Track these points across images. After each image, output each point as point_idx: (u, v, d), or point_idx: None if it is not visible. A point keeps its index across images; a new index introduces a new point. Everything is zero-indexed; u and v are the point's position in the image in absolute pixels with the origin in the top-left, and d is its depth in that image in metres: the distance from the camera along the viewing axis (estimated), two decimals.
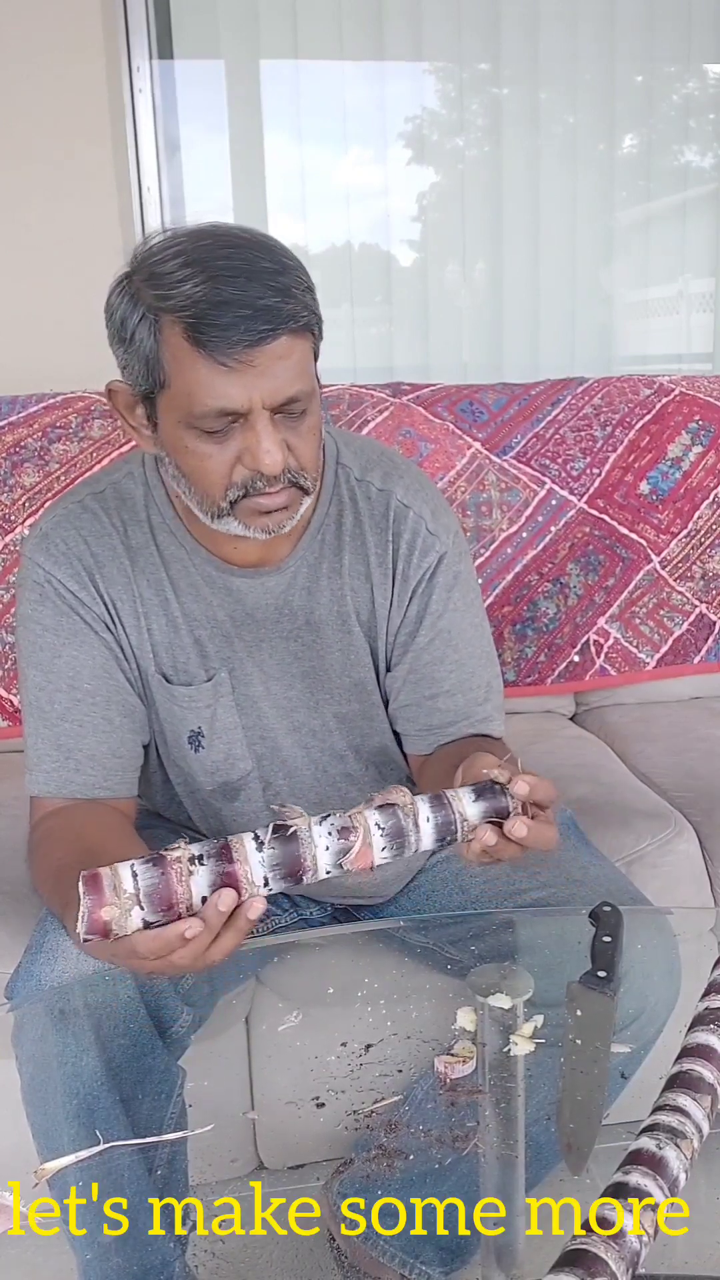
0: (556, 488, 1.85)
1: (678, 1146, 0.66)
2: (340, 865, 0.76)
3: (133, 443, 1.71)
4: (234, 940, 0.76)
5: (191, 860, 0.73)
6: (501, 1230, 0.94)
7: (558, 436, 1.87)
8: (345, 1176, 1.03)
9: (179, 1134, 0.97)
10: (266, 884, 0.74)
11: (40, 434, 1.72)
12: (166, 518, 1.06)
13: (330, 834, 0.75)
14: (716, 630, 1.90)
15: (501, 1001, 0.97)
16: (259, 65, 2.23)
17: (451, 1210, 0.98)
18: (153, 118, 2.16)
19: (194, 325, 0.86)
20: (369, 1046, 1.02)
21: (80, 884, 0.72)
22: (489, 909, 1.15)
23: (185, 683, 1.07)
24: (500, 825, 0.79)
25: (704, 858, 1.42)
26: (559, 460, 1.86)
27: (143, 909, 0.71)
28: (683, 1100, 0.70)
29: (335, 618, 1.09)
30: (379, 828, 0.77)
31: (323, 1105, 0.98)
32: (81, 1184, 0.91)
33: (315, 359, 0.95)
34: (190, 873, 0.72)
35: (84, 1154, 0.90)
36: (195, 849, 0.74)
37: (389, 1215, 0.99)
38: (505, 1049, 0.97)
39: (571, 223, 2.40)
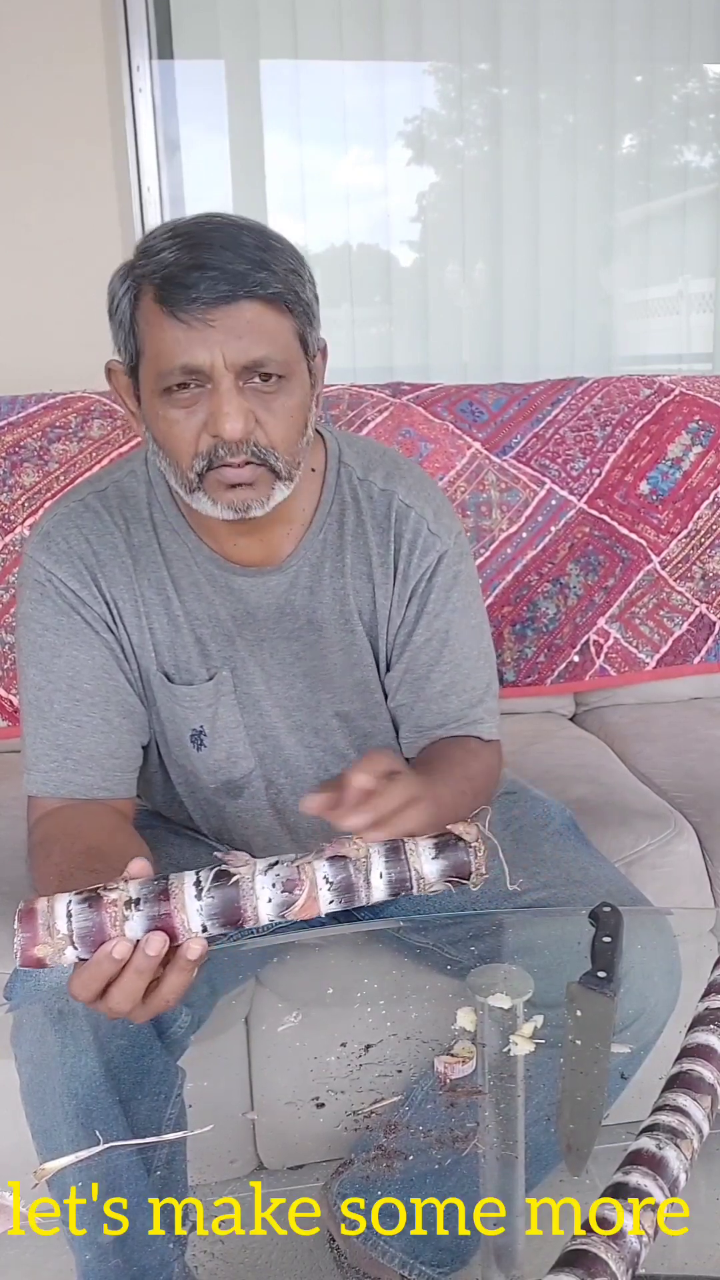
0: (556, 488, 1.85)
1: (678, 1147, 0.66)
2: (283, 916, 0.72)
3: (133, 442, 1.72)
4: (180, 980, 0.73)
5: (128, 904, 0.70)
6: (501, 1230, 0.94)
7: (558, 436, 1.87)
8: (345, 1177, 1.03)
9: (179, 1134, 0.97)
10: (205, 930, 0.71)
11: (40, 434, 1.72)
12: (169, 515, 1.06)
13: (274, 885, 0.72)
14: (716, 630, 1.90)
15: (501, 1001, 0.97)
16: (259, 65, 2.23)
17: (451, 1211, 0.98)
18: (153, 118, 2.16)
19: (162, 285, 0.88)
20: (369, 1047, 1.01)
21: (16, 918, 0.70)
22: (489, 909, 1.15)
23: (187, 682, 1.07)
24: (463, 881, 0.74)
25: (704, 858, 1.42)
26: (559, 460, 1.86)
27: (76, 949, 0.69)
28: (683, 1100, 0.70)
29: (338, 617, 1.09)
30: (327, 881, 0.72)
31: (322, 1106, 0.98)
32: (81, 1184, 0.91)
33: (307, 349, 0.95)
34: (125, 917, 0.70)
35: (84, 1154, 0.90)
36: (134, 890, 0.71)
37: (389, 1216, 0.99)
38: (505, 1049, 0.97)
39: (571, 223, 2.40)
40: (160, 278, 0.88)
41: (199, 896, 0.71)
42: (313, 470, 1.07)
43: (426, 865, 0.74)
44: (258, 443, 0.92)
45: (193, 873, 0.72)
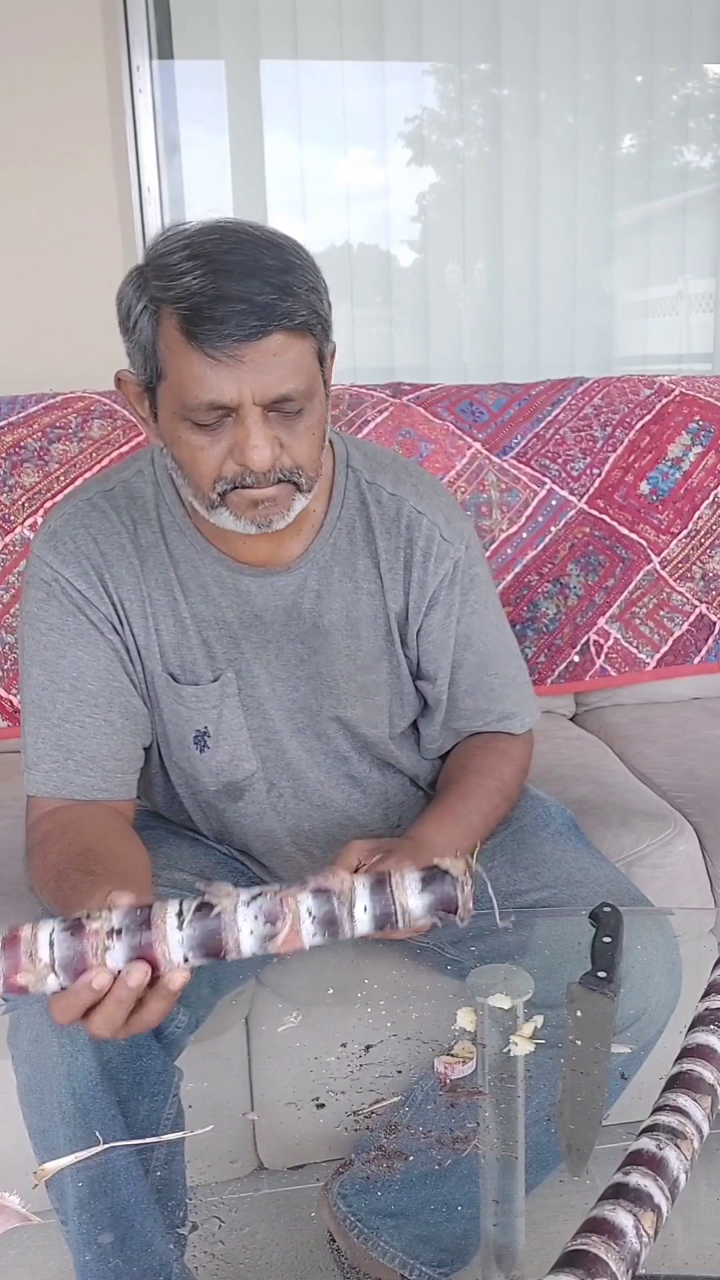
0: (556, 488, 1.85)
1: (678, 1147, 0.66)
2: (265, 949, 0.71)
3: (134, 442, 1.71)
4: (161, 1006, 0.73)
5: (110, 933, 0.70)
6: (501, 1230, 0.94)
7: (558, 437, 1.87)
8: (345, 1177, 1.03)
9: (179, 1135, 0.97)
10: (186, 960, 0.71)
11: (40, 434, 1.72)
12: (176, 516, 1.06)
13: (256, 917, 0.71)
14: (716, 630, 1.90)
15: (501, 1002, 0.97)
16: (259, 65, 2.23)
17: (451, 1211, 0.98)
18: (153, 118, 2.16)
19: (189, 318, 0.87)
20: (369, 1047, 1.01)
21: (0, 941, 0.70)
22: (489, 909, 1.15)
23: (192, 682, 1.07)
24: (450, 915, 0.73)
25: (704, 858, 1.42)
26: (559, 460, 1.86)
27: (58, 977, 0.70)
28: (683, 1100, 0.70)
29: (345, 622, 1.10)
30: (310, 914, 0.71)
31: (323, 1106, 0.98)
32: (80, 1184, 0.91)
33: (323, 361, 0.95)
34: (107, 947, 0.70)
35: (84, 1154, 0.90)
36: (116, 919, 0.70)
37: (389, 1216, 0.99)
38: (505, 1049, 0.97)
39: (571, 223, 2.40)
40: (186, 308, 0.87)
41: (180, 927, 0.70)
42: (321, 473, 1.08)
43: (412, 899, 0.73)
44: (283, 466, 0.93)
45: (175, 902, 0.71)
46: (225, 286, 0.86)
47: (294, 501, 0.97)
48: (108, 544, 1.04)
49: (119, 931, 0.70)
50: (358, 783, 1.17)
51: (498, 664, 1.16)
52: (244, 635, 1.08)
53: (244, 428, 0.90)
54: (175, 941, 0.70)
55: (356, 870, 0.90)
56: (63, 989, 0.70)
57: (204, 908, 0.71)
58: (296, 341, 0.89)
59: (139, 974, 0.69)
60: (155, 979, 0.70)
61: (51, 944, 0.69)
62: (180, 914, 0.71)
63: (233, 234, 0.89)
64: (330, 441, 1.10)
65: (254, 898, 0.72)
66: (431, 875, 0.73)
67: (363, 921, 0.72)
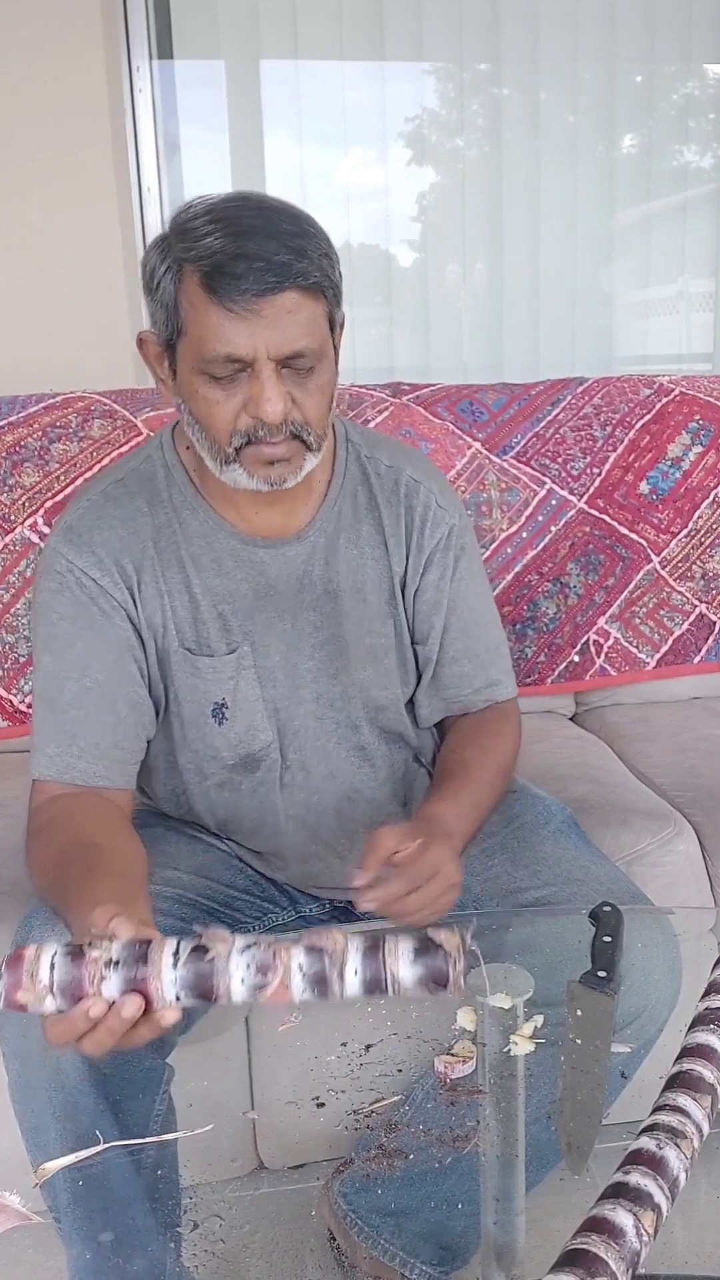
0: (556, 488, 1.85)
1: (678, 1146, 0.66)
2: (254, 998, 0.72)
3: (133, 442, 1.72)
4: (150, 1034, 0.74)
5: (108, 964, 0.72)
6: (502, 1229, 0.94)
7: (558, 436, 1.87)
8: (346, 1176, 1.03)
9: (180, 1134, 0.97)
10: (178, 999, 0.72)
11: (40, 434, 1.72)
12: (188, 496, 1.10)
13: (249, 966, 0.72)
14: (716, 630, 1.90)
15: (501, 1001, 0.97)
16: (259, 65, 2.23)
17: (452, 1209, 0.98)
18: (153, 118, 2.16)
19: (209, 274, 0.92)
20: (369, 1046, 1.02)
21: (3, 962, 0.73)
22: (489, 908, 1.15)
23: (208, 654, 1.10)
24: (441, 988, 0.73)
25: (704, 858, 1.42)
26: (559, 460, 1.86)
27: (56, 999, 0.72)
28: (683, 1100, 0.70)
29: (352, 587, 1.14)
30: (300, 970, 0.72)
31: (323, 1105, 0.98)
32: (71, 1182, 0.91)
33: (333, 327, 1.01)
34: (104, 976, 0.72)
35: (85, 1153, 0.90)
36: (115, 951, 0.73)
37: (389, 1215, 0.99)
38: (505, 1049, 0.97)
39: (571, 223, 2.40)
40: (208, 265, 0.92)
41: (175, 967, 0.72)
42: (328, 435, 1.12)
43: (404, 969, 0.72)
44: (294, 421, 0.98)
45: (174, 941, 0.73)
46: (245, 245, 0.92)
47: (304, 461, 1.01)
48: (123, 529, 1.07)
49: (117, 963, 0.72)
50: (367, 756, 1.18)
51: (482, 630, 1.20)
52: (258, 606, 1.11)
53: (258, 381, 0.95)
54: (169, 980, 0.72)
55: (394, 855, 0.93)
56: (59, 1011, 0.72)
57: (199, 950, 0.72)
58: (309, 301, 0.95)
59: (133, 1007, 0.71)
60: (147, 1010, 0.72)
61: (53, 967, 0.71)
62: (176, 954, 0.72)
63: (253, 202, 0.97)
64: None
65: (248, 946, 0.73)
66: (425, 947, 0.73)
67: (352, 984, 0.72)
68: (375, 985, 0.72)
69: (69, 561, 1.05)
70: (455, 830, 1.02)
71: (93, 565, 1.05)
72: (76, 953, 0.72)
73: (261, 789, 1.16)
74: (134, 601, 1.07)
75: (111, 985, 0.71)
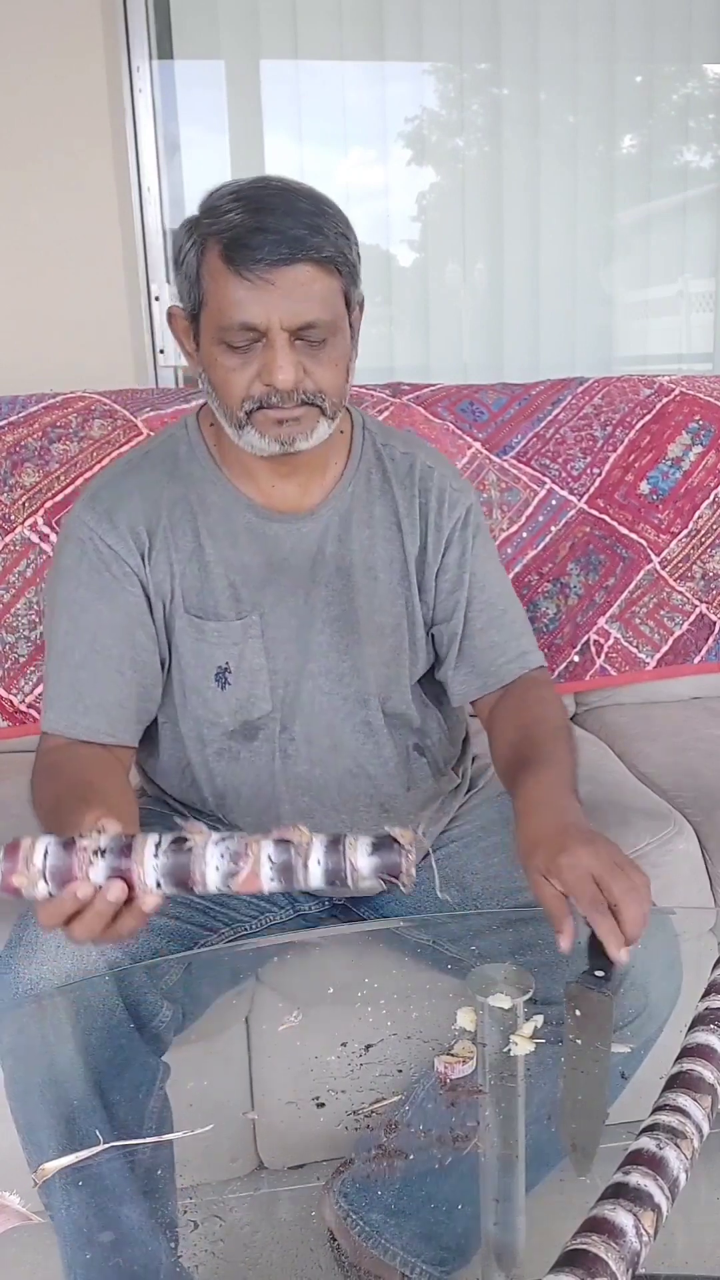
0: (556, 488, 1.85)
1: (678, 1146, 0.66)
2: (228, 885, 0.78)
3: (133, 442, 1.71)
4: (133, 921, 0.79)
5: (96, 852, 0.78)
6: (502, 1229, 0.94)
7: (558, 436, 1.87)
8: (345, 1176, 1.03)
9: (180, 1134, 0.97)
10: (159, 886, 0.78)
11: (40, 434, 1.72)
12: (208, 470, 1.14)
13: (222, 855, 0.78)
14: (716, 630, 1.90)
15: (501, 1001, 0.97)
16: (259, 65, 2.23)
17: (452, 1209, 0.98)
18: (153, 118, 2.16)
19: (229, 245, 0.98)
20: (369, 1046, 1.02)
21: (2, 849, 0.79)
22: (489, 908, 1.15)
23: (215, 619, 1.13)
24: (394, 880, 0.78)
25: (704, 857, 1.42)
26: (559, 460, 1.86)
27: (47, 883, 0.78)
28: (683, 1100, 0.70)
29: (363, 563, 1.16)
30: (270, 860, 0.78)
31: (323, 1105, 0.98)
32: (76, 1184, 0.92)
33: (350, 306, 1.05)
34: (91, 863, 0.78)
35: (85, 1153, 0.90)
36: (104, 841, 0.79)
37: (389, 1215, 0.99)
38: (505, 1049, 0.97)
39: (571, 223, 2.40)
40: (227, 237, 0.98)
41: (156, 855, 0.78)
42: (341, 433, 1.17)
43: (361, 860, 0.78)
44: (306, 390, 1.02)
45: (156, 835, 0.79)
46: (263, 220, 0.97)
47: (317, 424, 1.05)
48: (140, 497, 1.12)
49: (104, 852, 0.78)
50: (371, 732, 1.18)
51: (505, 603, 1.23)
52: (270, 579, 1.13)
53: (271, 350, 0.99)
54: (150, 868, 0.78)
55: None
56: (50, 896, 0.78)
57: (179, 841, 0.79)
58: (323, 275, 0.99)
59: (116, 890, 0.77)
60: (131, 899, 0.78)
61: (45, 854, 0.78)
62: (158, 845, 0.78)
63: (276, 183, 1.02)
64: (349, 410, 1.20)
65: (223, 839, 0.79)
66: (382, 842, 0.79)
67: (315, 874, 0.78)
68: (335, 875, 0.78)
69: (90, 529, 1.11)
70: (576, 820, 1.00)
71: (109, 532, 1.10)
72: (69, 843, 0.78)
73: (259, 759, 1.17)
74: (144, 564, 1.11)
75: (98, 871, 0.77)
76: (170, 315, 1.09)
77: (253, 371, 1.01)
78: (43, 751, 1.10)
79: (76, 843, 0.78)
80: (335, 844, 0.79)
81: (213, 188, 1.03)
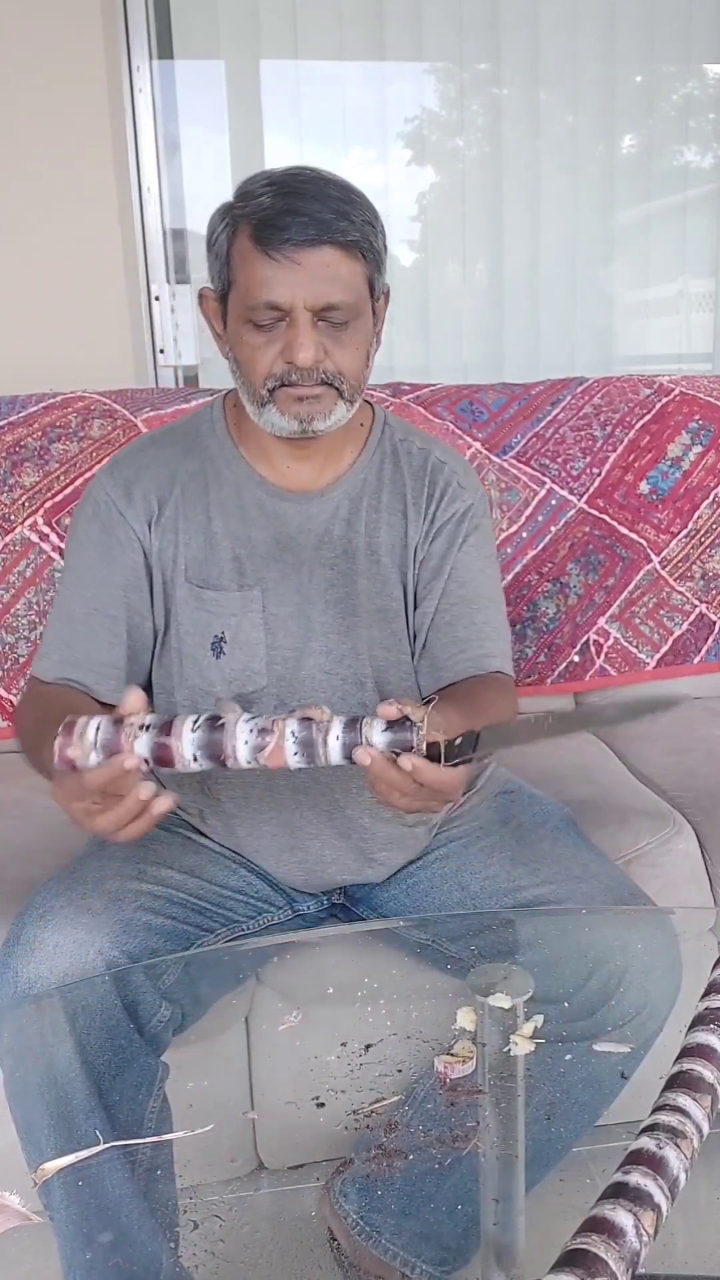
0: (556, 487, 1.85)
1: (678, 1146, 0.66)
2: (256, 760, 0.86)
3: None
4: (143, 826, 0.88)
5: (142, 727, 0.87)
6: (502, 1229, 0.94)
7: (558, 436, 1.87)
8: (345, 1176, 1.03)
9: (180, 1134, 0.97)
10: (195, 760, 0.87)
11: (40, 434, 1.72)
12: (225, 447, 1.19)
13: (251, 730, 0.86)
14: (716, 630, 1.90)
15: (501, 1001, 0.97)
16: (259, 65, 2.23)
17: (452, 1209, 0.98)
18: (153, 118, 2.16)
19: (258, 225, 1.02)
20: (369, 1046, 1.02)
21: (60, 728, 0.87)
22: (489, 907, 1.15)
23: (216, 589, 1.16)
24: (404, 752, 0.86)
25: (703, 858, 1.42)
26: (559, 460, 1.86)
27: (98, 755, 0.86)
28: (683, 1100, 0.70)
29: (368, 548, 1.18)
30: (293, 735, 0.86)
31: (323, 1105, 0.98)
32: (76, 1184, 0.92)
33: (375, 294, 1.10)
34: (136, 736, 0.86)
35: (85, 1153, 0.90)
36: (148, 719, 0.87)
37: (389, 1215, 0.99)
38: (505, 1049, 0.97)
39: (571, 223, 2.40)
40: (257, 219, 1.02)
41: (194, 730, 0.87)
42: (360, 425, 1.21)
43: (377, 736, 0.86)
44: (326, 370, 1.06)
45: (193, 715, 0.88)
46: (293, 203, 1.01)
47: (336, 406, 1.08)
48: (157, 468, 1.18)
49: (148, 727, 0.87)
50: (369, 712, 1.17)
51: (482, 604, 1.22)
52: (274, 556, 1.16)
53: (295, 329, 1.03)
54: (189, 741, 0.86)
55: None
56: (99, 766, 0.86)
57: (213, 719, 0.87)
58: (348, 259, 1.04)
59: (148, 790, 0.86)
60: (145, 809, 0.88)
61: (97, 729, 0.87)
62: (195, 722, 0.87)
63: (309, 171, 1.06)
64: (371, 407, 1.25)
65: (252, 717, 0.88)
66: (397, 721, 0.87)
67: (334, 749, 0.86)
68: (352, 747, 0.86)
69: (106, 493, 1.16)
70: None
71: (122, 498, 1.16)
72: (117, 720, 0.88)
73: None
74: (150, 534, 1.16)
75: (142, 744, 0.86)
76: (201, 296, 1.13)
77: (276, 350, 1.05)
78: (29, 690, 1.18)
79: (124, 720, 0.87)
80: (353, 723, 0.87)
81: (249, 176, 1.08)
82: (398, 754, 0.86)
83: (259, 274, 1.03)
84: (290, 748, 0.86)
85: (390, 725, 0.87)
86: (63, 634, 1.16)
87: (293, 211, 1.01)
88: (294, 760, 0.86)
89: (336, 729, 0.87)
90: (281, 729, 0.86)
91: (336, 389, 1.07)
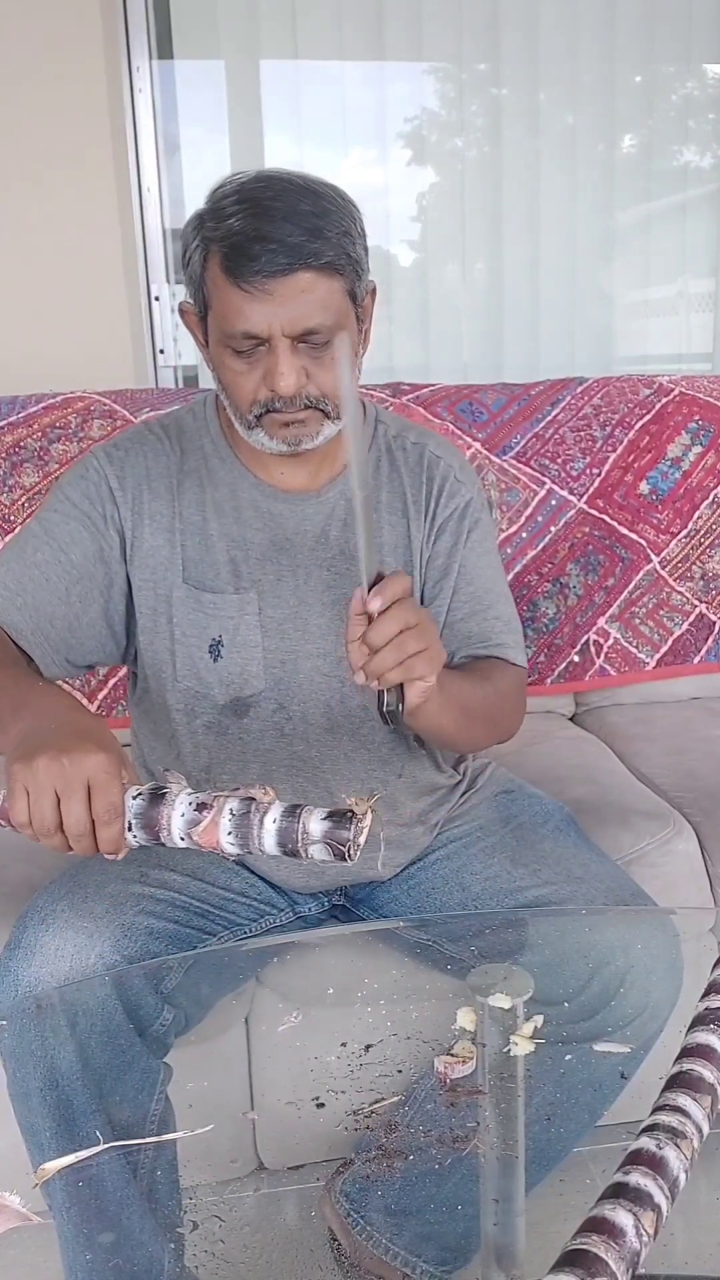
0: (556, 488, 1.85)
1: (678, 1146, 0.66)
2: (190, 836, 0.83)
3: None
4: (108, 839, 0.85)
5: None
6: (502, 1230, 0.94)
7: (557, 436, 1.87)
8: (345, 1176, 1.03)
9: (180, 1134, 0.97)
10: (130, 829, 0.84)
11: (40, 434, 1.72)
12: (219, 446, 1.17)
13: (190, 805, 0.83)
14: (716, 630, 1.90)
15: (501, 1001, 0.97)
16: (259, 65, 2.23)
17: (453, 1209, 0.98)
18: (153, 118, 2.16)
19: (229, 255, 0.99)
20: (369, 1047, 1.02)
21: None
22: (489, 907, 1.15)
23: (213, 591, 1.14)
24: (341, 850, 0.82)
25: (703, 858, 1.42)
26: (559, 460, 1.86)
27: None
28: (683, 1100, 0.70)
29: None
30: (231, 814, 0.83)
31: (323, 1105, 0.98)
32: (77, 1184, 0.92)
33: (356, 300, 1.05)
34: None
35: (85, 1153, 0.90)
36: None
37: (389, 1215, 0.99)
38: (505, 1049, 0.97)
39: (571, 223, 2.40)
40: (228, 246, 0.99)
41: (134, 800, 0.84)
42: None
43: (314, 825, 0.82)
44: (309, 395, 1.04)
45: (138, 787, 0.85)
46: (262, 228, 0.97)
47: (322, 426, 1.07)
48: (154, 461, 1.15)
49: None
50: (367, 716, 1.18)
51: (492, 599, 1.22)
52: (270, 557, 1.15)
53: (274, 356, 1.01)
54: (126, 809, 0.84)
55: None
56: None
57: (155, 789, 0.85)
58: (324, 280, 1.00)
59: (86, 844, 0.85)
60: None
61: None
62: (137, 795, 0.84)
63: (279, 182, 1.01)
64: (363, 404, 1.21)
65: (195, 791, 0.85)
66: (337, 813, 0.83)
67: (269, 833, 0.82)
68: (287, 837, 0.82)
69: (100, 465, 1.14)
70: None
71: (114, 476, 1.13)
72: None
73: (249, 736, 1.16)
74: (132, 529, 1.13)
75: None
76: (182, 311, 1.11)
77: (258, 376, 1.03)
78: None
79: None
80: (294, 810, 0.83)
81: (220, 180, 1.04)
82: (335, 849, 0.82)
83: (233, 304, 1.00)
84: (225, 826, 0.82)
85: (329, 817, 0.82)
86: (15, 572, 1.12)
87: (262, 238, 0.97)
88: (227, 839, 0.83)
89: (275, 812, 0.83)
90: (221, 806, 0.83)
91: (322, 410, 1.05)
